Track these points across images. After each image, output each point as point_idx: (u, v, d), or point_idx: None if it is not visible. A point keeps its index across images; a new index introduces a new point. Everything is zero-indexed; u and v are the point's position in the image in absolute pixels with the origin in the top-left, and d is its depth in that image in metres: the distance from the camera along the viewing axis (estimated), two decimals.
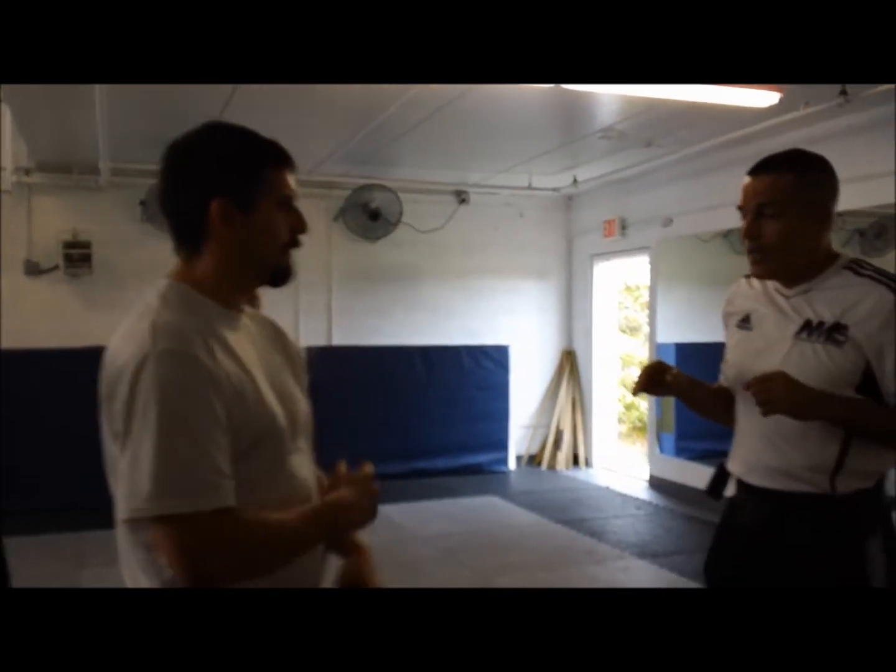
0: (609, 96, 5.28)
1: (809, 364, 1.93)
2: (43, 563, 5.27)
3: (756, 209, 2.01)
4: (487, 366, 8.47)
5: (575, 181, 7.96)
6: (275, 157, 1.49)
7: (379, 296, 8.27)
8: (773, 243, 2.00)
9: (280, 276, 1.54)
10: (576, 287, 9.12)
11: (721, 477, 2.19)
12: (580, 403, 8.98)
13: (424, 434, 8.12)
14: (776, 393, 1.86)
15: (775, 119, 5.51)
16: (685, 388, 2.21)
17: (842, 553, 1.94)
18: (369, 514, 1.58)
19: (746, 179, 2.06)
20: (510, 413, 8.56)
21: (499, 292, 8.76)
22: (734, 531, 2.15)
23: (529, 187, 8.14)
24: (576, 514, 6.80)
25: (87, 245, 7.23)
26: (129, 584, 1.42)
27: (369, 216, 8.03)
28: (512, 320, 8.84)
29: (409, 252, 8.38)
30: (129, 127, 5.67)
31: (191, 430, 1.31)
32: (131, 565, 1.41)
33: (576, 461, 8.84)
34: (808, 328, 1.98)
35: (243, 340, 1.50)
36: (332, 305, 8.10)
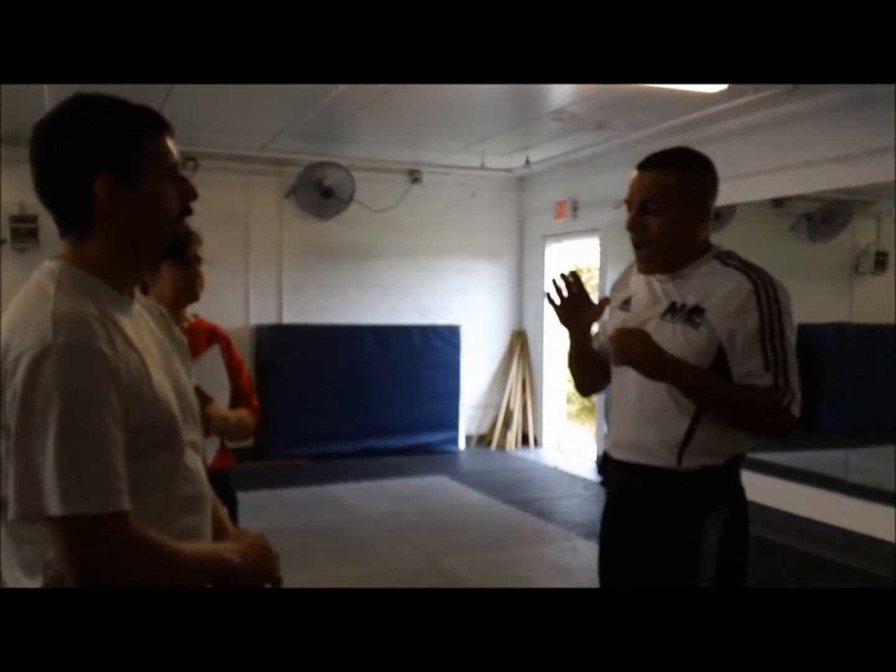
0: None
1: (669, 342, 2.04)
2: None
3: (640, 204, 2.10)
4: (439, 345, 8.49)
5: (527, 162, 7.98)
6: (153, 126, 1.41)
7: (331, 274, 8.23)
8: (656, 237, 2.10)
9: (175, 247, 1.49)
10: (527, 268, 9.16)
11: (605, 458, 2.30)
12: (530, 383, 9.04)
13: (375, 413, 8.13)
14: (632, 346, 2.01)
15: (725, 104, 5.59)
16: (587, 334, 2.33)
17: (680, 524, 2.07)
18: (264, 578, 1.51)
19: (633, 174, 2.14)
20: (461, 393, 8.59)
21: (451, 272, 8.77)
22: (606, 500, 2.31)
23: (482, 167, 8.15)
24: (525, 495, 6.87)
25: (34, 219, 7.09)
26: (10, 584, 1.36)
27: (322, 194, 7.98)
28: (464, 300, 8.86)
29: (361, 231, 8.35)
30: None
31: (91, 430, 1.24)
32: (12, 564, 1.35)
33: (525, 441, 8.91)
34: (673, 310, 2.10)
35: (139, 327, 1.44)
36: (282, 283, 8.04)
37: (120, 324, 1.36)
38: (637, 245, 2.15)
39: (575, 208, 8.21)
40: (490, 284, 9.09)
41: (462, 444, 8.67)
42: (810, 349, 8.45)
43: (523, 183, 9.08)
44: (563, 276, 2.25)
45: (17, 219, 7.07)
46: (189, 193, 1.46)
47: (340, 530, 5.79)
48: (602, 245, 7.87)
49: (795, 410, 2.01)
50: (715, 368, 2.03)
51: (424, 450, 8.34)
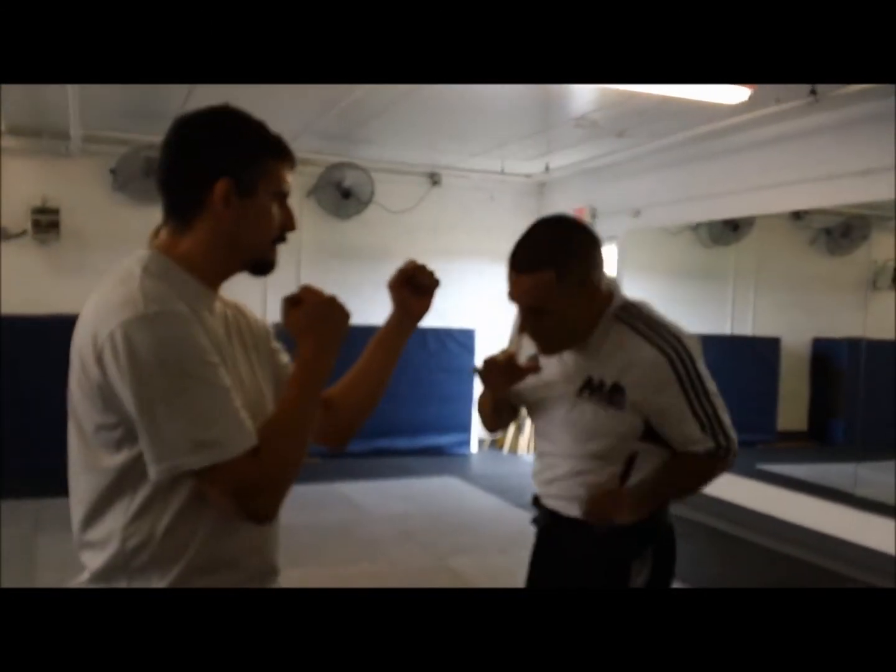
0: (585, 86, 5.31)
1: (592, 423, 2.03)
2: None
3: (528, 310, 2.03)
4: (453, 348, 8.51)
5: (547, 168, 8.00)
6: (279, 151, 1.51)
7: (348, 274, 8.26)
8: (552, 335, 2.04)
9: (263, 266, 1.55)
10: None
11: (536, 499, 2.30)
12: None
13: (387, 414, 8.08)
14: (608, 512, 2.02)
15: (746, 115, 5.58)
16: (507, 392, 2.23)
17: (607, 570, 2.07)
18: (338, 315, 1.53)
19: (511, 275, 2.04)
20: (474, 396, 8.59)
21: (468, 275, 8.78)
22: (534, 543, 2.33)
23: (502, 172, 8.17)
24: None
25: (55, 211, 7.17)
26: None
27: (341, 194, 8.02)
28: (479, 304, 8.88)
29: (379, 231, 8.38)
30: (102, 94, 5.61)
31: (206, 380, 1.33)
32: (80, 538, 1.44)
33: None
34: (590, 386, 2.04)
35: (219, 328, 1.49)
36: (300, 282, 8.03)
37: (202, 316, 1.43)
38: (534, 339, 2.09)
39: (593, 216, 8.21)
40: (506, 289, 9.09)
41: (474, 447, 8.68)
42: (824, 363, 8.46)
43: (542, 189, 9.09)
44: (494, 359, 2.16)
45: (39, 210, 7.13)
46: (289, 222, 1.54)
47: (349, 529, 5.82)
48: (619, 253, 7.88)
49: (734, 452, 2.04)
50: (646, 437, 2.03)
51: (436, 451, 8.36)
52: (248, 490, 1.35)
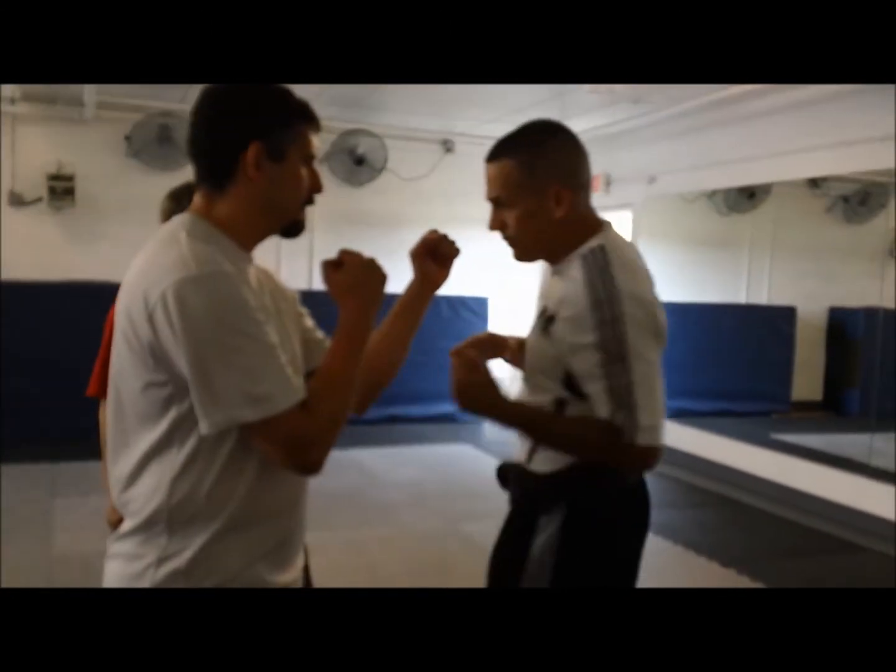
0: None
1: (531, 352, 1.98)
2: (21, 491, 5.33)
3: (494, 202, 1.98)
4: (466, 316, 8.51)
5: None
6: (306, 116, 1.56)
7: (361, 241, 8.21)
8: (515, 232, 1.94)
9: (294, 228, 1.60)
10: None
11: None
12: None
13: (400, 381, 8.07)
14: (456, 374, 1.93)
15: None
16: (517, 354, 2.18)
17: (517, 519, 2.05)
18: (377, 276, 1.59)
19: (486, 165, 1.99)
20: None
21: (481, 243, 8.72)
22: None
23: None
24: None
25: (70, 178, 7.17)
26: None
27: (355, 161, 8.00)
28: (492, 271, 8.86)
29: (392, 199, 8.36)
30: None
31: (255, 338, 1.38)
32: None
33: None
34: (541, 316, 1.95)
35: (256, 286, 1.54)
36: (314, 249, 8.08)
37: (245, 277, 1.48)
38: (505, 241, 2.01)
39: (608, 182, 8.17)
40: None
41: None
42: (840, 333, 8.42)
43: None
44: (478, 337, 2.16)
45: (54, 177, 7.14)
46: (317, 185, 1.59)
47: (362, 494, 5.86)
48: (634, 220, 7.84)
49: (646, 439, 1.77)
50: (567, 382, 1.87)
51: (449, 419, 8.39)
52: (298, 442, 1.41)
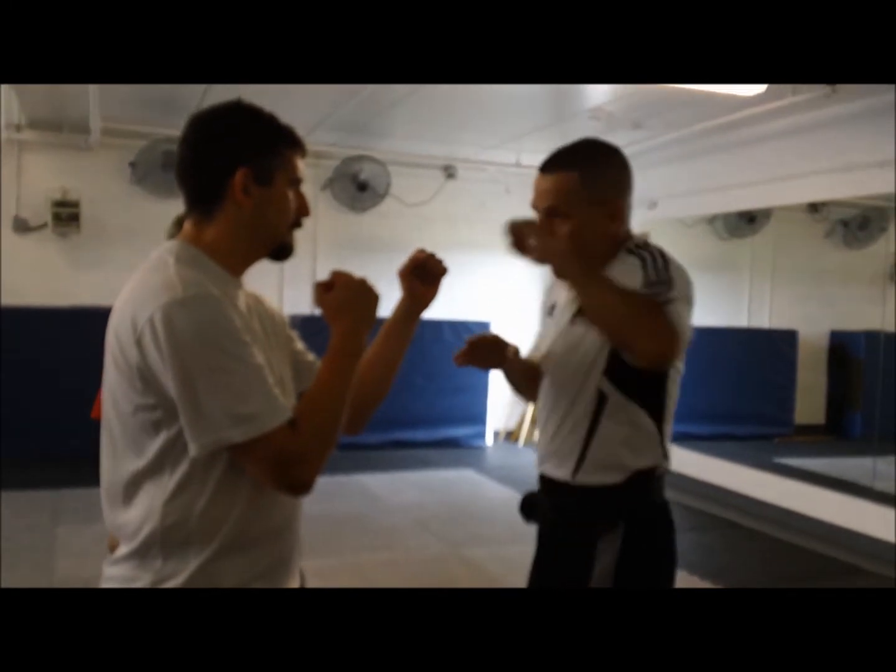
0: None
1: (573, 348, 1.97)
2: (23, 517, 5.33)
3: (545, 211, 1.98)
4: None
5: None
6: (292, 141, 1.57)
7: (364, 267, 8.17)
8: (566, 243, 1.93)
9: (282, 251, 1.62)
10: None
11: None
12: None
13: (403, 405, 8.17)
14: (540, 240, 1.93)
15: (762, 106, 5.56)
16: (515, 363, 2.20)
17: (572, 543, 2.00)
18: (369, 297, 1.60)
19: (537, 177, 2.01)
20: (489, 389, 8.62)
21: (483, 268, 8.79)
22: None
23: (517, 165, 8.16)
24: None
25: (75, 204, 7.22)
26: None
27: (357, 187, 8.04)
28: (494, 296, 8.89)
29: (395, 224, 8.40)
30: (121, 88, 5.64)
31: (242, 359, 1.39)
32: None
33: None
34: (582, 314, 1.96)
35: (245, 314, 1.54)
36: (316, 274, 8.10)
37: (232, 301, 1.49)
38: (547, 254, 1.97)
39: None
40: (521, 282, 9.10)
41: (489, 440, 8.70)
42: (841, 356, 8.43)
43: None
44: (482, 337, 2.16)
45: (59, 203, 7.19)
46: (304, 208, 1.62)
47: (365, 518, 5.85)
48: None
49: (677, 314, 1.83)
50: (611, 374, 1.92)
51: (452, 443, 8.39)
52: (287, 461, 1.41)
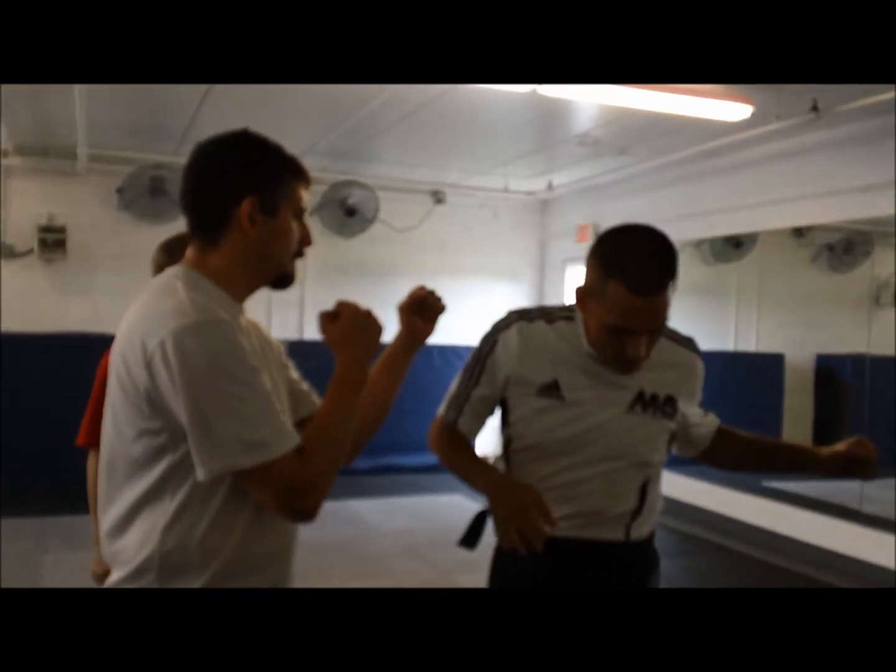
0: (586, 103, 5.35)
1: (644, 437, 1.98)
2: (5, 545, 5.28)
3: (654, 329, 1.89)
4: (458, 365, 8.47)
5: (550, 186, 8.03)
6: (297, 172, 1.59)
7: (353, 292, 8.21)
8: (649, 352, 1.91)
9: (284, 280, 1.62)
10: (548, 290, 9.18)
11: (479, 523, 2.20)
12: None
13: (393, 430, 8.10)
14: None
15: (747, 132, 5.61)
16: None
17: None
18: (373, 327, 1.64)
19: (635, 301, 1.82)
20: None
21: (472, 293, 8.80)
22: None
23: (505, 190, 8.20)
24: None
25: (62, 230, 7.21)
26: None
27: (346, 212, 8.06)
28: (484, 321, 8.87)
29: (383, 249, 8.42)
30: (108, 114, 5.67)
31: (251, 385, 1.40)
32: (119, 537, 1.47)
33: None
34: (642, 400, 1.96)
35: (249, 335, 1.55)
36: (304, 299, 8.11)
37: (239, 326, 1.50)
38: (629, 362, 1.91)
39: (596, 232, 8.24)
40: (510, 306, 9.09)
41: None
42: (828, 379, 8.44)
43: (545, 206, 9.12)
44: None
45: (45, 229, 7.18)
46: (307, 238, 1.63)
47: (355, 545, 5.82)
48: None
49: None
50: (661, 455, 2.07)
51: (441, 468, 8.35)
52: (293, 488, 1.41)
